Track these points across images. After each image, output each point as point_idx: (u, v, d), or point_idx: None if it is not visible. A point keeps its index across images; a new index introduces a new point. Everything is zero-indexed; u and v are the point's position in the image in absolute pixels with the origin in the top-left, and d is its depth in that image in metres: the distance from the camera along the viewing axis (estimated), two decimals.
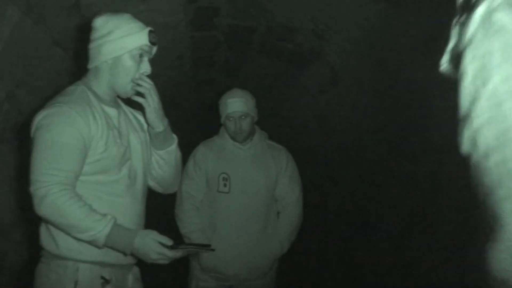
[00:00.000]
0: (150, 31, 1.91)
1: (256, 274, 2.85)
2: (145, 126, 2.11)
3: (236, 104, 2.80)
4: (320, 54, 4.03)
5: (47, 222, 1.86)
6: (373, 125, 4.14)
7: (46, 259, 1.90)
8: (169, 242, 1.81)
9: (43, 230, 1.92)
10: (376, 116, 3.98)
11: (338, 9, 3.23)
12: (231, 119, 2.82)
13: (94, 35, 1.91)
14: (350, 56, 3.73)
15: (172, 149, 2.06)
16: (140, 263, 2.07)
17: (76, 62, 3.23)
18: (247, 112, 2.81)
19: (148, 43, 1.90)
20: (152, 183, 2.12)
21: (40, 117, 1.84)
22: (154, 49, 1.97)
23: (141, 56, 1.91)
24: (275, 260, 2.92)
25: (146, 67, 1.92)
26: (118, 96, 2.04)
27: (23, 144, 2.95)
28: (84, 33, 2.03)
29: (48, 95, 3.06)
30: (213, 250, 1.97)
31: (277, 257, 2.90)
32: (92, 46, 1.91)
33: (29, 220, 3.17)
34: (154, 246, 1.78)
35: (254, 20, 3.91)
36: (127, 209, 1.92)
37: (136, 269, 2.07)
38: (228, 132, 2.87)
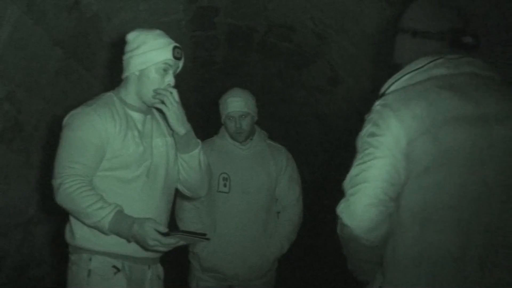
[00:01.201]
0: (174, 47, 2.05)
1: (256, 274, 2.85)
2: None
3: (237, 104, 2.80)
4: (320, 54, 4.04)
5: (64, 210, 1.99)
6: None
7: (70, 254, 2.05)
8: (165, 229, 1.91)
9: (67, 226, 2.07)
10: None
11: (338, 9, 3.23)
12: (231, 118, 2.82)
13: (126, 48, 2.09)
14: (350, 56, 3.73)
15: (195, 153, 2.17)
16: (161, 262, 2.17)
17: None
18: (247, 111, 2.81)
19: (172, 58, 2.04)
20: (180, 187, 2.25)
21: (66, 118, 2.04)
22: (180, 63, 2.12)
23: (166, 69, 2.05)
24: (275, 260, 2.92)
25: (169, 79, 2.07)
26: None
27: (25, 145, 2.95)
28: (116, 49, 2.12)
29: (48, 95, 3.07)
30: (208, 239, 1.99)
31: (277, 257, 2.89)
32: (124, 58, 2.09)
33: (30, 220, 3.18)
34: (150, 232, 1.87)
35: (254, 20, 3.91)
36: (144, 205, 2.04)
37: (159, 268, 2.19)
38: (228, 131, 2.87)
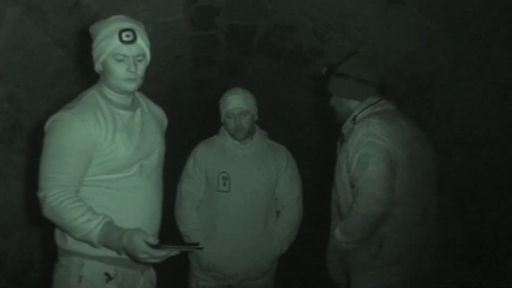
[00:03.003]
0: (121, 30, 1.88)
1: (256, 274, 2.85)
2: (163, 123, 2.27)
3: (236, 101, 2.80)
4: (320, 54, 4.03)
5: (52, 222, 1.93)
6: None
7: (59, 256, 1.98)
8: (155, 241, 1.82)
9: (56, 228, 1.99)
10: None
11: (338, 9, 3.22)
12: (231, 116, 2.82)
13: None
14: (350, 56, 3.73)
15: None
16: (155, 266, 2.12)
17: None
18: (247, 109, 2.81)
19: (120, 43, 1.88)
20: None
21: (48, 123, 1.92)
22: (139, 46, 1.92)
23: (121, 59, 1.90)
24: (275, 260, 2.92)
25: (127, 66, 1.91)
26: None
27: (25, 145, 2.95)
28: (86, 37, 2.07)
29: (48, 95, 3.07)
30: (201, 248, 1.95)
31: (276, 256, 2.89)
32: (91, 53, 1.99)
33: (30, 220, 3.17)
34: (140, 245, 1.78)
35: (254, 20, 3.91)
36: (139, 204, 1.99)
37: (152, 272, 2.12)
38: (228, 129, 2.87)
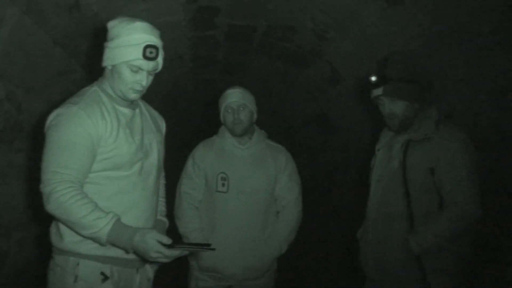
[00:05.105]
0: (146, 46, 1.88)
1: (255, 274, 2.84)
2: (162, 127, 2.26)
3: (235, 95, 2.81)
4: (320, 54, 4.03)
5: (55, 219, 1.92)
6: (373, 125, 4.14)
7: (54, 254, 1.97)
8: (168, 241, 1.82)
9: (52, 226, 1.98)
10: (376, 115, 3.98)
11: (338, 9, 3.23)
12: (229, 110, 2.82)
13: (106, 37, 1.96)
14: (350, 56, 3.73)
15: None
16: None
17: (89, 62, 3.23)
18: (245, 103, 2.81)
19: (142, 58, 1.88)
20: None
21: (51, 117, 1.91)
22: (157, 63, 1.95)
23: (137, 71, 1.91)
24: (274, 260, 2.91)
25: (140, 78, 1.93)
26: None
27: (25, 145, 2.95)
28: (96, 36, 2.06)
29: (48, 95, 3.07)
30: (213, 249, 1.96)
31: (276, 257, 2.89)
32: (104, 47, 1.96)
33: (31, 220, 3.18)
34: (153, 244, 1.79)
35: (254, 20, 3.91)
36: (136, 204, 1.99)
37: (147, 269, 2.12)
38: (227, 124, 2.87)
